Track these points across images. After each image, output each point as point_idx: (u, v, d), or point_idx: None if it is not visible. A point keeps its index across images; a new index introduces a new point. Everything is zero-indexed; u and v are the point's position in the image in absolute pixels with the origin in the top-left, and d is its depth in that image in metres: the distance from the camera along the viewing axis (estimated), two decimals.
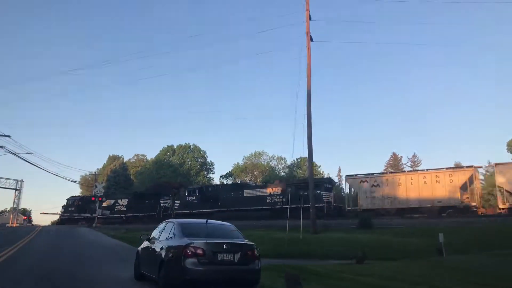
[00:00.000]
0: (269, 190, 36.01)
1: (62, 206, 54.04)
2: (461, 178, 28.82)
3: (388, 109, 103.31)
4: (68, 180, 58.22)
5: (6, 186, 64.16)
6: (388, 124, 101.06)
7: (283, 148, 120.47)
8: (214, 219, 9.87)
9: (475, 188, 28.82)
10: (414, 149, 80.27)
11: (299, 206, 27.53)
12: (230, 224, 9.17)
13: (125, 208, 43.89)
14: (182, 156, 71.27)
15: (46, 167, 54.95)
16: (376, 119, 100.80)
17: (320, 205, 31.47)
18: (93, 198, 36.86)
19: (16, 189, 64.98)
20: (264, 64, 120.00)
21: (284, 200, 33.50)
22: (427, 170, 31.89)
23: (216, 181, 73.40)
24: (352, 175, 34.26)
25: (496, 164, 29.22)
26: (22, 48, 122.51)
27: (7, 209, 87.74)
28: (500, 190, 27.75)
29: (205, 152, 73.87)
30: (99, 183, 41.36)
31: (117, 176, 68.12)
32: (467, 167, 30.18)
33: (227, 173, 74.66)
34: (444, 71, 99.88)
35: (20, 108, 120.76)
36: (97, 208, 37.57)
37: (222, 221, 10.07)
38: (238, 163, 75.25)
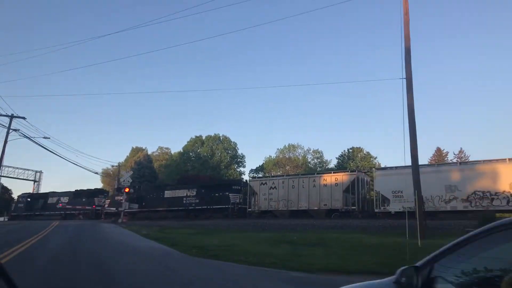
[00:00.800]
0: (185, 192, 37.82)
1: (12, 203, 56.62)
2: (345, 182, 29.90)
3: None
4: (91, 171, 54.00)
5: (25, 178, 60.15)
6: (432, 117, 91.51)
7: (319, 141, 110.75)
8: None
9: (356, 192, 29.72)
10: (462, 145, 73.41)
11: (211, 207, 34.23)
12: None
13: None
14: (211, 148, 65.89)
15: (65, 156, 50.59)
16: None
17: (226, 206, 34.14)
18: (127, 189, 30.91)
19: (35, 181, 60.83)
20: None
21: (197, 201, 36.46)
22: (316, 173, 33.54)
23: (247, 175, 68.04)
24: (255, 178, 36.99)
25: (376, 169, 30.62)
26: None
27: None
28: (377, 195, 28.51)
29: (235, 144, 68.41)
30: (126, 171, 36.18)
31: (142, 169, 63.29)
32: (351, 171, 32.18)
33: (257, 168, 69.30)
34: None
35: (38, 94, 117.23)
36: (123, 201, 32.30)
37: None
38: (270, 156, 69.64)
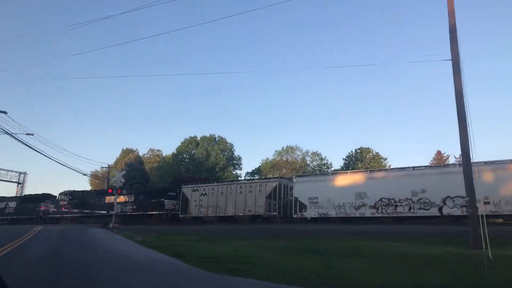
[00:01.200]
0: (123, 198, 38.44)
1: None
2: (268, 188, 31.18)
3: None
4: (80, 173, 50.44)
5: (8, 179, 56.61)
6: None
7: (324, 142, 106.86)
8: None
9: (277, 198, 30.89)
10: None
11: (146, 213, 36.32)
12: None
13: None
14: (206, 149, 62.96)
15: (52, 156, 47.58)
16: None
17: (160, 212, 35.56)
18: (110, 190, 28.79)
19: (18, 183, 57.28)
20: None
21: (134, 207, 38.03)
22: (243, 179, 35.80)
23: (243, 178, 65.15)
24: (187, 184, 36.66)
25: (296, 176, 32.36)
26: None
27: None
28: (295, 201, 29.28)
29: (232, 145, 65.62)
30: (117, 170, 33.23)
31: (133, 170, 60.08)
32: (274, 178, 34.30)
33: (253, 170, 66.62)
34: None
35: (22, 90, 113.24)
36: (114, 203, 29.24)
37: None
38: (267, 158, 67.17)
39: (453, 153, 68.98)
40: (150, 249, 14.00)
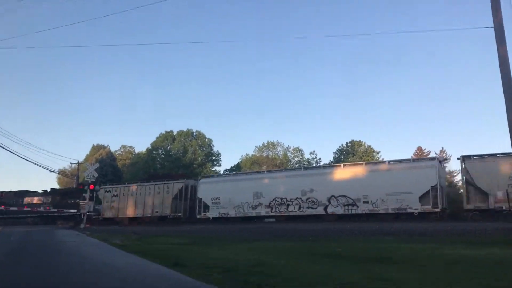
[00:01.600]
0: (42, 199, 39.83)
1: None
2: (175, 189, 31.71)
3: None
4: (47, 169, 46.22)
5: None
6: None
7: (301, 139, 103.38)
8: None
9: (183, 199, 31.61)
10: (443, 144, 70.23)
11: (61, 214, 36.66)
12: None
13: None
14: (183, 144, 59.91)
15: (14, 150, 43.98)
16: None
17: (75, 213, 34.82)
18: (80, 187, 25.65)
19: None
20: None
21: (50, 207, 38.13)
22: (152, 182, 34.43)
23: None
24: (105, 186, 37.01)
25: (200, 177, 33.20)
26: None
27: None
28: (199, 202, 30.32)
29: (211, 140, 62.77)
30: (90, 163, 29.87)
31: (105, 167, 56.30)
32: (181, 179, 33.76)
33: (232, 167, 64.04)
34: None
35: None
36: (86, 200, 26.04)
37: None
38: (247, 154, 64.86)
39: (434, 149, 68.76)
40: (135, 255, 11.27)
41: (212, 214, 29.24)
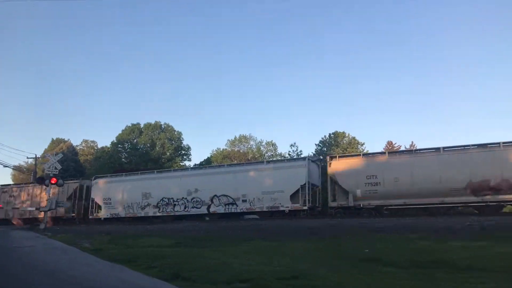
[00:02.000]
0: None
1: None
2: (70, 190, 31.00)
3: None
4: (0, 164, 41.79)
5: None
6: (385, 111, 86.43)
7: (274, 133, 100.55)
8: None
9: (77, 199, 31.12)
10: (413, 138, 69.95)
11: None
12: None
13: None
14: (151, 137, 56.63)
15: None
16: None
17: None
18: (54, 180, 22.32)
19: None
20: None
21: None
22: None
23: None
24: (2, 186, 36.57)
25: (94, 177, 32.22)
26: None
27: None
28: (92, 202, 30.17)
29: (180, 134, 59.68)
30: (51, 154, 26.48)
31: (66, 161, 52.10)
32: (76, 179, 34.26)
33: (201, 162, 61.38)
34: None
35: None
36: (48, 196, 22.90)
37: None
38: (218, 148, 62.31)
39: (404, 143, 68.83)
40: (116, 264, 8.85)
41: (103, 214, 29.16)
